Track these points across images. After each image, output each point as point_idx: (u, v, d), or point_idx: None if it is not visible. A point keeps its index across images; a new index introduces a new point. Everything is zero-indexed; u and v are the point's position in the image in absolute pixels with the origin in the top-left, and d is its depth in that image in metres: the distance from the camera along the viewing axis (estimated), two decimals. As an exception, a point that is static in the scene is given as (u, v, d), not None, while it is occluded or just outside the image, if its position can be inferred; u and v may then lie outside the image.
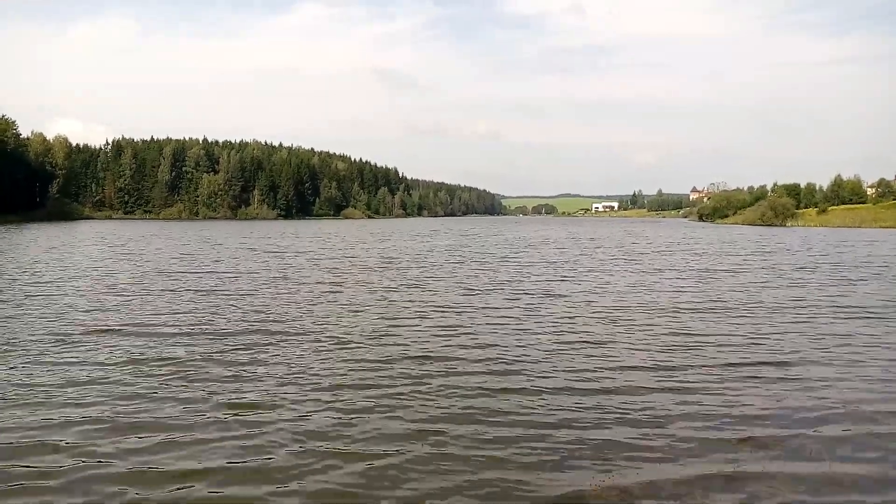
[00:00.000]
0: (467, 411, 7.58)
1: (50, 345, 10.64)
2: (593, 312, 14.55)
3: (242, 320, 13.15)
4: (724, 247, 42.53)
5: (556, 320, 13.54)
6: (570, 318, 13.84)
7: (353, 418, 7.34)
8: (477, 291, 18.01)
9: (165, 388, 8.39)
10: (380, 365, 9.56)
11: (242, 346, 10.69)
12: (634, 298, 16.67)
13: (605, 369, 9.45)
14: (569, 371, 9.38)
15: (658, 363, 9.76)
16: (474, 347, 10.88)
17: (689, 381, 8.83)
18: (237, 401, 7.86)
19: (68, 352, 10.28)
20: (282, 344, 10.92)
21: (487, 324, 13.11)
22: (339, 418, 7.32)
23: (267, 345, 10.83)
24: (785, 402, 8.00)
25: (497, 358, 10.13)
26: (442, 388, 8.50)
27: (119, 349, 10.43)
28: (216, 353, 10.29)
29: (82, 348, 10.51)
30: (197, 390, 8.33)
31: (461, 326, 12.78)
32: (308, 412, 7.50)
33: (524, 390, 8.43)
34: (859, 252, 36.80)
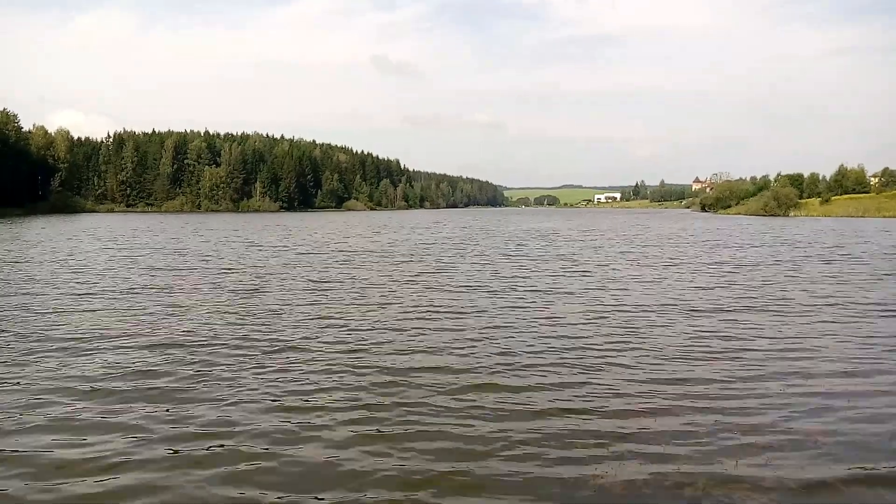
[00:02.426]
0: (468, 402, 7.58)
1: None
2: (604, 309, 14.28)
3: (234, 328, 11.75)
4: (732, 238, 42.39)
5: (565, 317, 13.37)
6: (580, 314, 13.62)
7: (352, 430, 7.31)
8: (485, 289, 17.58)
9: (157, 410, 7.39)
10: (388, 375, 9.07)
11: (228, 358, 9.55)
12: (648, 295, 16.12)
13: (614, 365, 9.42)
14: (574, 365, 9.37)
15: (670, 361, 9.56)
16: (482, 342, 10.88)
17: (700, 379, 8.66)
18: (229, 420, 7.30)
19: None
20: (278, 352, 9.88)
21: (492, 317, 13.11)
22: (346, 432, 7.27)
23: (264, 353, 9.88)
24: (796, 398, 7.96)
25: (503, 350, 10.15)
26: (446, 382, 8.51)
27: (90, 361, 9.35)
28: (213, 363, 9.57)
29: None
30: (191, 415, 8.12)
31: (470, 326, 12.62)
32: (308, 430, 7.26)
33: (527, 382, 8.42)
34: (874, 243, 36.60)
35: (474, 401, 7.64)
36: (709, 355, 9.80)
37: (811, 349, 10.24)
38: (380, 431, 6.72)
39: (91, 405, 7.46)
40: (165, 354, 9.76)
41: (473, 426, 6.85)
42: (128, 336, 10.92)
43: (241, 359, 9.47)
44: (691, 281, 18.88)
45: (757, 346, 10.45)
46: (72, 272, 20.28)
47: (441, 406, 7.47)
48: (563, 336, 11.11)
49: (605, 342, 10.65)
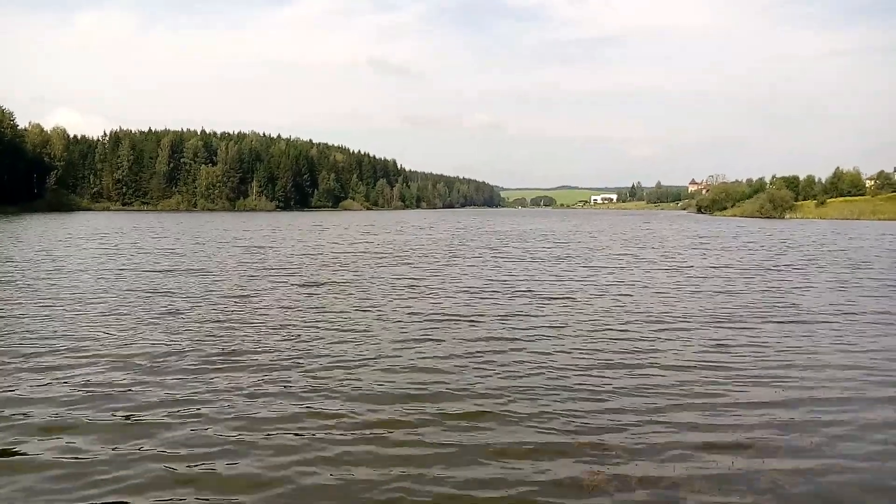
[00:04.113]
0: (466, 399, 7.60)
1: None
2: (606, 317, 13.97)
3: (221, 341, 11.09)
4: (731, 241, 42.29)
5: (565, 325, 13.19)
6: (581, 322, 13.35)
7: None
8: (486, 294, 17.22)
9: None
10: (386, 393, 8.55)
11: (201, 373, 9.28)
12: (649, 303, 15.46)
13: (610, 367, 9.45)
14: (570, 366, 9.40)
15: (674, 372, 9.34)
16: (487, 340, 10.88)
17: (696, 383, 8.61)
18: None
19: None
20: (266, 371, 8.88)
21: (500, 318, 13.05)
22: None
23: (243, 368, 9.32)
24: (793, 402, 8.01)
25: (502, 346, 10.20)
26: (443, 381, 8.53)
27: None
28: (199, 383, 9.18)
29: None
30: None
31: (471, 336, 12.47)
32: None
33: (523, 381, 8.45)
34: (878, 247, 36.42)
35: (462, 393, 7.67)
36: (716, 366, 9.56)
37: (823, 364, 9.61)
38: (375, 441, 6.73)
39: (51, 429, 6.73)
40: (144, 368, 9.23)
41: (460, 420, 6.88)
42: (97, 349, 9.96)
43: (220, 374, 8.66)
44: (693, 287, 18.10)
45: (766, 357, 9.92)
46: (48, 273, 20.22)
47: (439, 427, 7.45)
48: (564, 344, 10.83)
49: (608, 351, 10.24)
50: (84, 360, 9.25)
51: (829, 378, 8.82)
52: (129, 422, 6.93)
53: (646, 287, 17.93)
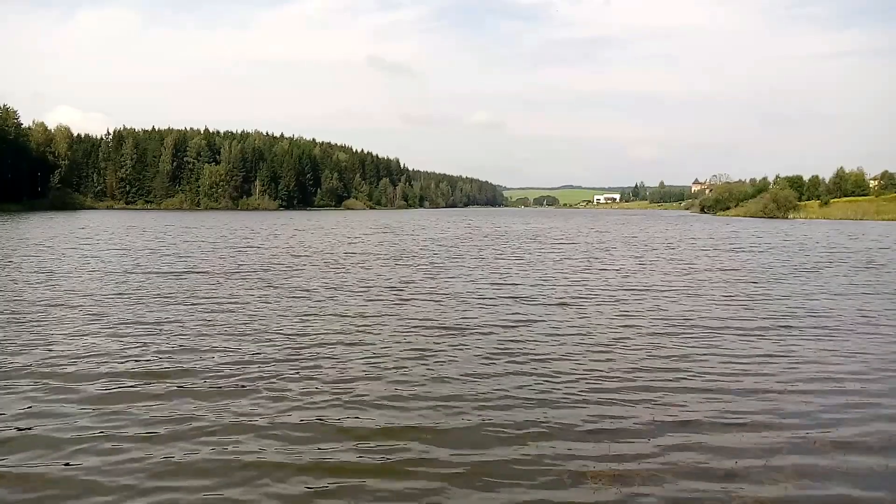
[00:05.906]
0: (469, 397, 7.57)
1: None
2: (614, 325, 13.78)
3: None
4: (738, 242, 41.59)
5: (567, 332, 13.03)
6: (584, 329, 13.13)
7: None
8: (486, 300, 17.04)
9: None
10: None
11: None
12: (662, 309, 14.73)
13: (616, 365, 9.42)
14: (576, 363, 9.37)
15: (672, 365, 9.41)
16: (488, 340, 10.86)
17: (701, 381, 8.65)
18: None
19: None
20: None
21: (499, 334, 12.81)
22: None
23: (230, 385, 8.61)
24: (794, 400, 7.96)
25: (508, 347, 10.18)
26: (447, 377, 8.50)
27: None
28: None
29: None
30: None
31: (473, 345, 12.32)
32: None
33: (529, 380, 8.41)
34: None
35: (469, 390, 7.65)
36: (726, 371, 9.46)
37: (843, 373, 9.01)
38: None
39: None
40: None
41: (462, 416, 6.86)
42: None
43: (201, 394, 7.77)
44: (707, 292, 16.93)
45: (774, 361, 9.53)
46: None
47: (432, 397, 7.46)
48: (573, 349, 10.55)
49: (618, 355, 9.92)
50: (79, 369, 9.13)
51: (843, 380, 8.75)
52: (109, 434, 6.50)
53: (660, 292, 16.93)
